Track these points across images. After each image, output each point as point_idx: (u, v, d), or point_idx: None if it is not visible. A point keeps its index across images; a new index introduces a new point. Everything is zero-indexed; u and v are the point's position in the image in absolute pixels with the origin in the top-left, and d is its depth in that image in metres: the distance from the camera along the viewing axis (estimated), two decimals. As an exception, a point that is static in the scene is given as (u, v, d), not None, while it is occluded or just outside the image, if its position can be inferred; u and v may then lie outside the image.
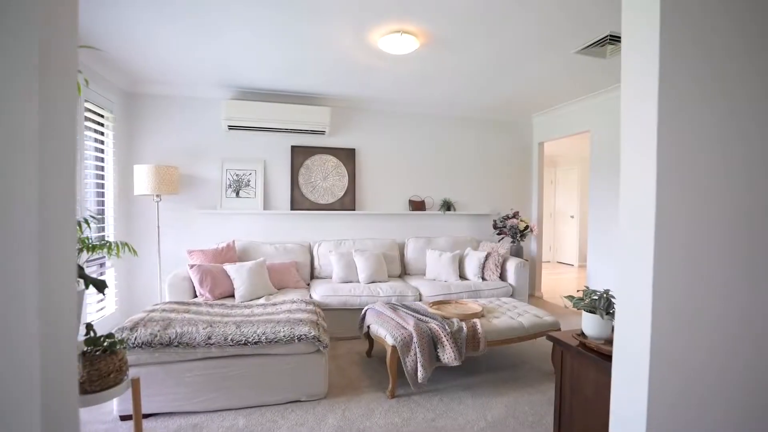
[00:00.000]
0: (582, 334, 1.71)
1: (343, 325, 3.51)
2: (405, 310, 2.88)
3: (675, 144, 1.00)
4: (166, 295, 3.28)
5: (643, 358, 1.01)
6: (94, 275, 3.37)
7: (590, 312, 1.60)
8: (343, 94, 4.25)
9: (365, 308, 3.06)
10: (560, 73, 3.56)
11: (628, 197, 1.06)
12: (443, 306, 3.07)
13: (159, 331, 2.25)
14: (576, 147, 7.03)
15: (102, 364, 1.44)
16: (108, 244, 1.66)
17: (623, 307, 1.09)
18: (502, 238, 4.75)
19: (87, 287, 1.53)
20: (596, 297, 1.62)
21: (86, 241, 1.64)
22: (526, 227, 4.61)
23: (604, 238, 4.23)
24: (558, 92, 4.14)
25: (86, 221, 1.56)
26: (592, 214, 4.39)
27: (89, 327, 1.50)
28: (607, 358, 1.49)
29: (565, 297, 1.73)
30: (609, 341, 1.60)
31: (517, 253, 4.56)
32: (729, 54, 1.04)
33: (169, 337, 2.22)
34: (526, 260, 4.17)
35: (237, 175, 4.20)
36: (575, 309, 1.66)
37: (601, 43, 2.87)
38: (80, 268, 1.51)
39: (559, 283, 6.17)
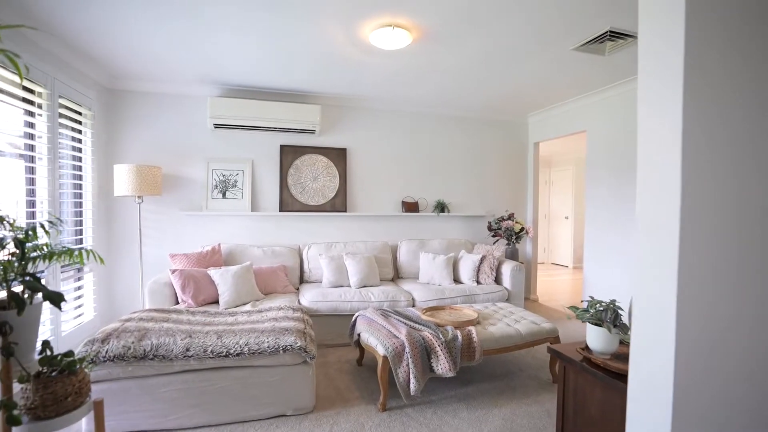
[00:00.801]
0: (586, 347, 1.59)
1: (333, 331, 3.37)
2: (397, 317, 2.75)
3: (702, 146, 0.88)
4: (147, 302, 3.12)
5: (665, 381, 0.89)
6: (69, 281, 3.20)
7: (596, 324, 1.48)
8: (334, 92, 4.11)
9: (356, 315, 2.93)
10: (557, 71, 3.45)
11: (647, 204, 0.94)
12: (437, 312, 2.95)
13: (133, 342, 2.10)
14: (571, 147, 6.96)
15: (58, 386, 1.28)
16: (69, 251, 1.51)
17: (641, 322, 0.97)
18: (497, 240, 4.64)
19: (45, 299, 1.38)
20: (602, 308, 1.50)
21: (46, 247, 1.48)
22: (522, 229, 4.51)
23: (601, 240, 4.13)
24: (554, 91, 4.03)
25: (42, 226, 1.41)
26: (589, 215, 4.29)
27: (45, 344, 1.35)
28: (615, 375, 1.38)
29: (568, 308, 1.61)
30: (616, 356, 1.49)
31: (512, 255, 4.46)
32: (761, 46, 0.92)
33: (144, 350, 2.07)
34: (522, 263, 4.06)
35: (223, 175, 4.04)
36: (581, 321, 1.54)
37: (600, 39, 2.76)
38: (36, 279, 1.36)
39: (554, 285, 6.08)
